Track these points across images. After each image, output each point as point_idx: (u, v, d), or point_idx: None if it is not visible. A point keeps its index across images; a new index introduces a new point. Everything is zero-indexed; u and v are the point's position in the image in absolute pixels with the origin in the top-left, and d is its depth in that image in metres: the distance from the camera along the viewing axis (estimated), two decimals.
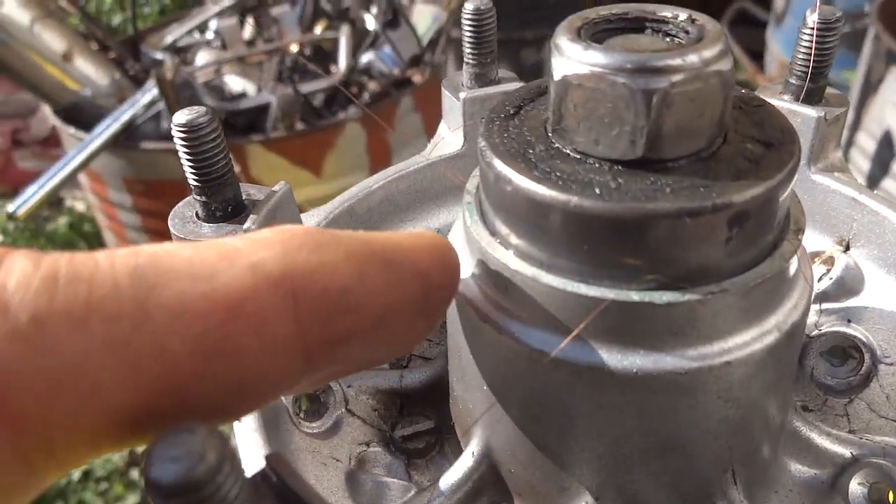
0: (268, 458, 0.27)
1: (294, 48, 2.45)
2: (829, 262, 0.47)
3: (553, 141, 0.31)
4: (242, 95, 2.29)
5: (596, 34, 0.31)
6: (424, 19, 2.59)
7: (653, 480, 0.34)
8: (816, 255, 0.48)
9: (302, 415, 0.40)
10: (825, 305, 0.46)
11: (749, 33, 3.38)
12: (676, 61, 0.27)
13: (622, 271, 0.29)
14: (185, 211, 0.41)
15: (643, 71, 0.27)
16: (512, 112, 0.34)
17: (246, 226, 0.38)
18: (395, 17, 2.49)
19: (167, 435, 0.20)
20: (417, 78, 2.36)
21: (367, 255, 0.25)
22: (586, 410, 0.32)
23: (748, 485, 0.36)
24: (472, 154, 0.52)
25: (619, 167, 0.29)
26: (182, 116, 0.37)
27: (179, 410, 0.21)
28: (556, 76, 0.29)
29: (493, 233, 0.33)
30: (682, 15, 0.31)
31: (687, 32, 0.30)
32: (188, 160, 0.38)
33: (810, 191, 0.48)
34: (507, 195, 0.31)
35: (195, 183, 0.39)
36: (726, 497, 0.35)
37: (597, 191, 0.28)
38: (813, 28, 0.45)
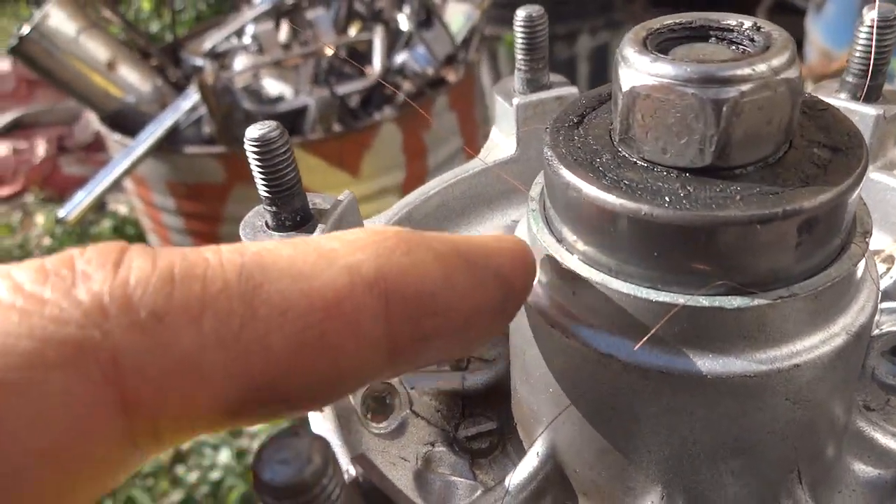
0: (354, 459, 0.28)
1: (329, 50, 2.48)
2: (889, 260, 0.47)
3: (619, 149, 0.32)
4: (280, 99, 2.33)
5: (661, 44, 0.32)
6: (457, 18, 2.60)
7: (719, 480, 0.34)
8: (876, 253, 0.47)
9: (370, 416, 0.42)
10: (885, 304, 0.46)
11: (788, 21, 3.33)
12: (746, 71, 0.28)
13: (692, 277, 0.30)
14: (255, 220, 0.42)
15: (712, 81, 0.28)
16: (576, 121, 0.35)
17: (315, 235, 0.40)
18: (428, 17, 2.51)
19: (275, 440, 0.22)
20: (452, 77, 2.37)
21: (454, 258, 0.26)
22: (654, 412, 0.32)
23: (813, 485, 0.36)
24: (525, 158, 0.53)
25: (688, 174, 0.30)
26: (255, 131, 0.38)
27: (274, 401, 0.23)
28: (625, 87, 0.30)
29: (560, 239, 0.34)
30: (747, 23, 0.31)
31: (752, 41, 0.31)
32: (260, 172, 0.40)
33: (869, 189, 0.48)
34: (575, 203, 0.31)
35: (266, 194, 0.41)
36: (792, 496, 0.36)
37: (666, 199, 0.29)
38: (871, 26, 0.44)
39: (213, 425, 0.22)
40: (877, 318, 0.46)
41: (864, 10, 0.45)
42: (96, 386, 0.19)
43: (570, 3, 3.52)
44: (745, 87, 0.28)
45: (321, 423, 0.36)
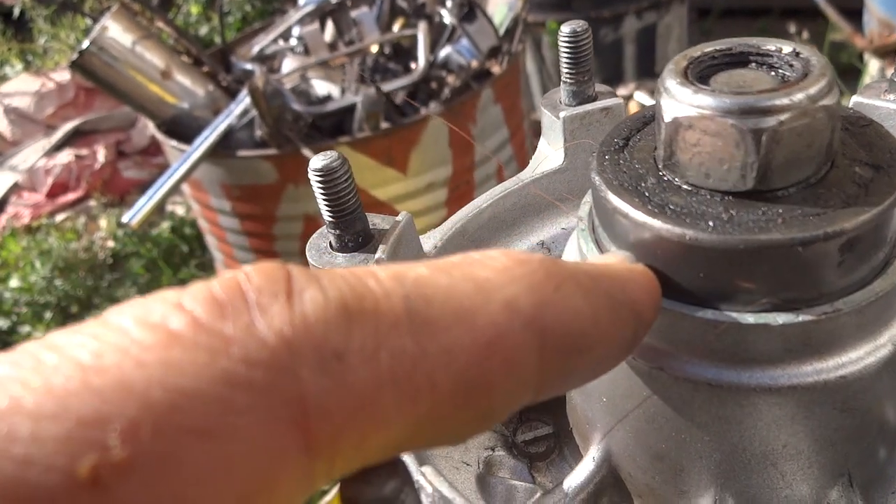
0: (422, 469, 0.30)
1: (374, 48, 2.52)
2: None
3: (664, 174, 0.34)
4: (328, 98, 2.38)
5: (702, 72, 0.33)
6: (500, 9, 2.60)
7: (770, 484, 0.36)
8: None
9: None
10: None
11: None
12: (784, 101, 0.29)
13: (737, 295, 0.31)
14: (320, 242, 0.45)
15: (752, 112, 0.29)
16: (621, 144, 0.37)
17: (377, 255, 0.43)
18: (470, 10, 2.52)
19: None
20: (496, 69, 2.38)
21: (599, 295, 0.26)
22: (704, 421, 0.34)
23: (865, 486, 0.38)
24: (573, 168, 0.54)
25: (730, 198, 0.31)
26: (318, 162, 0.41)
27: (437, 437, 0.23)
28: (667, 118, 0.32)
29: None
30: (787, 48, 0.32)
31: (791, 66, 0.32)
32: (323, 199, 0.42)
33: None
34: (623, 227, 0.33)
35: (329, 218, 0.43)
36: (844, 498, 0.37)
37: (710, 223, 0.30)
38: None
39: (380, 459, 0.22)
40: None
41: None
42: (285, 429, 0.19)
43: None
44: (783, 117, 0.29)
45: None
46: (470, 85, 2.31)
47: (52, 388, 0.17)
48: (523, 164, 0.59)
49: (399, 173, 2.17)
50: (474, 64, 2.39)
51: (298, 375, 0.19)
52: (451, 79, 2.37)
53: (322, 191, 0.42)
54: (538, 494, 0.42)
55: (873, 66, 2.91)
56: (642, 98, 2.96)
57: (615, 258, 0.33)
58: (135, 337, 0.18)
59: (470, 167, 2.34)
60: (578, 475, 0.40)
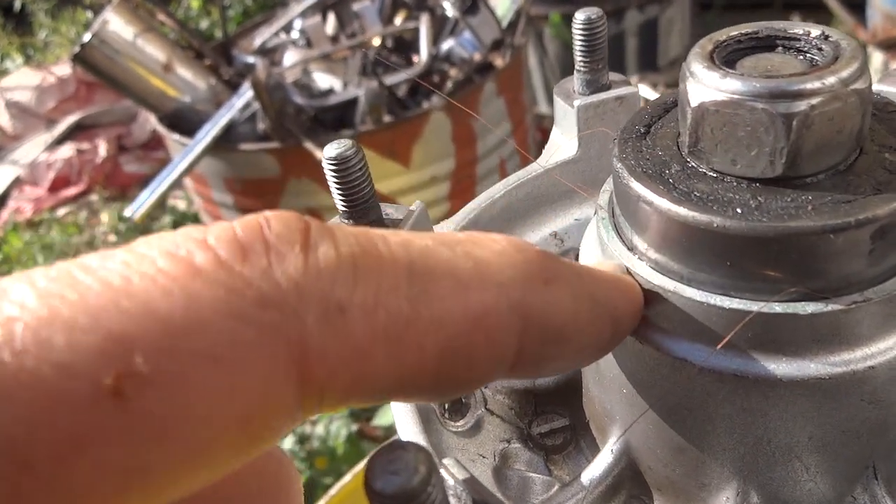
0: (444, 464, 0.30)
1: (376, 41, 2.51)
2: None
3: (688, 161, 0.33)
4: (330, 91, 2.37)
5: (728, 55, 0.32)
6: (503, 2, 2.59)
7: (794, 477, 0.35)
8: None
9: (447, 414, 0.44)
10: None
11: None
12: (815, 84, 0.28)
13: (764, 283, 0.31)
14: None
15: (782, 95, 0.29)
16: (643, 131, 0.36)
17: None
18: (473, 3, 2.50)
19: (385, 452, 0.24)
20: (499, 62, 2.37)
21: (583, 295, 0.28)
22: (729, 413, 0.34)
23: (889, 480, 0.37)
24: (587, 159, 0.54)
25: (758, 185, 0.31)
26: (332, 150, 0.40)
27: (415, 394, 0.25)
28: (693, 102, 0.31)
29: (631, 248, 0.35)
30: (815, 31, 0.32)
31: (820, 49, 0.31)
32: (337, 187, 0.42)
33: None
34: (646, 215, 0.33)
35: (343, 207, 0.43)
36: (868, 491, 0.36)
37: (738, 210, 0.30)
38: None
39: (364, 403, 0.24)
40: None
41: None
42: (285, 366, 0.21)
43: None
44: (815, 101, 0.28)
45: (407, 424, 0.38)
46: (472, 78, 2.30)
47: (87, 305, 0.18)
48: (526, 157, 0.59)
49: (402, 167, 2.16)
50: (477, 57, 2.38)
51: (304, 320, 0.21)
52: (453, 72, 2.37)
53: (336, 180, 0.41)
54: (556, 487, 0.41)
55: (877, 59, 2.89)
56: (645, 91, 2.95)
57: (609, 266, 0.35)
58: (161, 266, 0.20)
59: (472, 161, 2.33)
60: (597, 468, 0.40)
